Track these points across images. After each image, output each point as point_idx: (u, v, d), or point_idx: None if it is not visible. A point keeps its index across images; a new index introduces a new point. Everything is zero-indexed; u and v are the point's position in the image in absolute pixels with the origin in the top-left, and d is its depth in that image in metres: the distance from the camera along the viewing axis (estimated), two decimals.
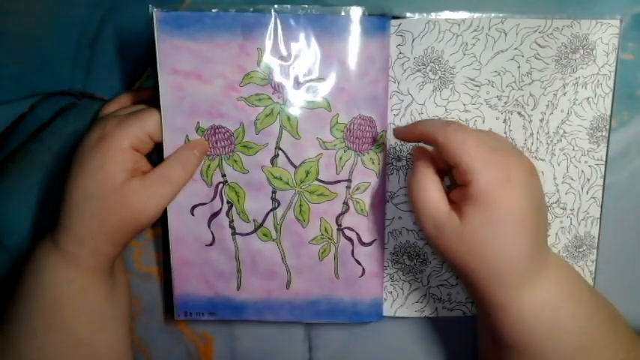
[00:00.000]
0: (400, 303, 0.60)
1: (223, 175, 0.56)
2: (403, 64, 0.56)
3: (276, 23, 0.53)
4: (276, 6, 0.53)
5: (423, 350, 0.62)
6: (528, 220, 0.46)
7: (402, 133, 0.53)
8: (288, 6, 0.53)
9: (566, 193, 0.58)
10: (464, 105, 0.56)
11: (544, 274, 0.47)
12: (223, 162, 0.55)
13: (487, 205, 0.45)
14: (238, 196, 0.56)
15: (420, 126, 0.50)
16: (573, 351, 0.47)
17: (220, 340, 0.62)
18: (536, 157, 0.57)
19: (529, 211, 0.46)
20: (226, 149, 0.55)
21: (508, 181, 0.45)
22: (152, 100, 0.55)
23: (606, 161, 0.58)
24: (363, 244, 0.57)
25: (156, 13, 0.52)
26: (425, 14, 0.55)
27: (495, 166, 0.46)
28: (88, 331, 0.53)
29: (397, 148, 0.57)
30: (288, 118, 0.54)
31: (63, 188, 0.52)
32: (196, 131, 0.55)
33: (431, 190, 0.49)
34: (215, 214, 0.56)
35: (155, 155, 0.56)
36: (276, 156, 0.55)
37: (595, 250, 0.59)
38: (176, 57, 0.53)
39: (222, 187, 0.56)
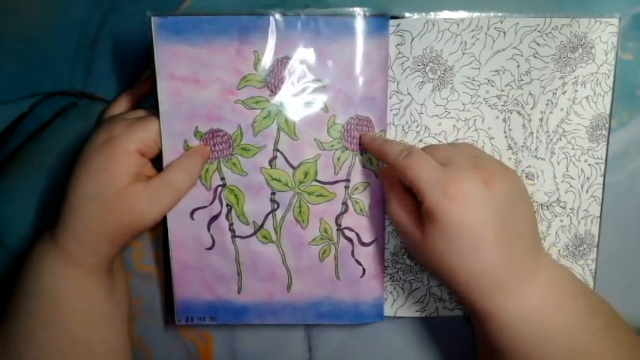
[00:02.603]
0: (401, 303, 0.60)
1: (222, 178, 0.56)
2: (402, 63, 0.56)
3: (272, 25, 0.53)
4: (273, 8, 0.53)
5: (423, 350, 0.62)
6: (487, 231, 0.47)
7: (366, 144, 0.55)
8: (285, 8, 0.53)
9: (566, 192, 0.58)
10: (463, 104, 0.56)
11: (531, 282, 0.48)
12: (222, 165, 0.55)
13: (437, 221, 0.47)
14: (237, 199, 0.56)
15: (382, 149, 0.53)
16: (566, 357, 0.47)
17: (220, 340, 0.62)
18: (535, 156, 0.57)
19: (487, 222, 0.47)
20: (225, 152, 0.55)
21: (455, 197, 0.47)
22: (153, 106, 0.55)
23: (606, 160, 0.58)
24: (363, 244, 0.57)
25: (154, 20, 0.52)
26: (424, 14, 0.55)
27: (442, 184, 0.47)
28: (87, 329, 0.53)
29: None
30: (286, 120, 0.54)
31: (65, 187, 0.53)
32: (195, 136, 0.55)
33: (398, 208, 0.52)
34: (214, 218, 0.57)
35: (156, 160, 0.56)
36: (275, 158, 0.55)
37: (595, 249, 0.59)
38: (174, 63, 0.53)
39: (222, 190, 0.56)
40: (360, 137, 0.55)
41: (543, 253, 0.51)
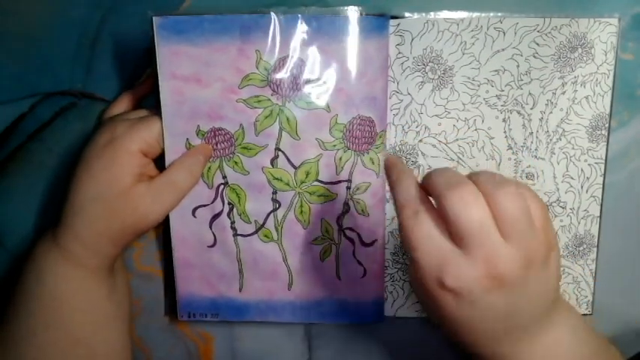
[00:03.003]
0: (400, 303, 0.60)
1: (224, 177, 0.56)
2: (402, 63, 0.56)
3: (274, 25, 0.53)
4: (272, 8, 0.53)
5: (423, 350, 0.62)
6: (484, 327, 0.42)
7: (387, 169, 0.45)
8: (285, 7, 0.53)
9: (565, 192, 0.58)
10: (463, 104, 0.57)
11: (544, 330, 0.44)
12: (224, 164, 0.55)
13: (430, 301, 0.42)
14: (239, 198, 0.56)
15: (394, 187, 0.43)
16: None
17: (220, 340, 0.62)
18: (535, 156, 0.57)
19: (486, 320, 0.41)
20: (226, 151, 0.55)
21: (451, 291, 0.40)
22: (154, 106, 0.55)
23: (606, 160, 0.58)
24: (364, 244, 0.57)
25: (155, 20, 0.53)
26: (424, 14, 0.55)
27: (439, 270, 0.40)
28: (88, 329, 0.53)
29: (397, 148, 0.57)
30: (288, 119, 0.54)
31: (67, 187, 0.53)
32: (197, 135, 0.55)
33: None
34: (216, 216, 0.57)
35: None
36: (276, 157, 0.55)
37: (595, 249, 0.59)
38: (176, 63, 0.53)
39: (223, 189, 0.56)
40: (385, 160, 0.46)
41: (556, 311, 0.45)
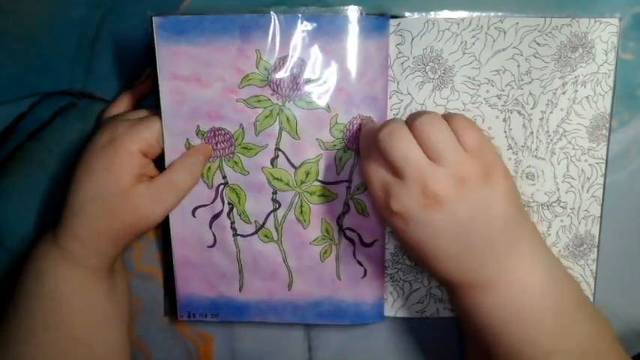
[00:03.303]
0: (401, 303, 0.60)
1: (224, 177, 0.56)
2: (402, 63, 0.56)
3: (274, 24, 0.53)
4: (272, 7, 0.53)
5: (423, 350, 0.62)
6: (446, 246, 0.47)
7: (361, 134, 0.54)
8: (285, 7, 0.53)
9: (566, 192, 0.58)
10: (463, 104, 0.56)
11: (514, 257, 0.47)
12: (224, 164, 0.55)
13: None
14: (239, 198, 0.56)
15: (366, 129, 0.53)
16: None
17: (220, 340, 0.62)
18: (536, 156, 0.57)
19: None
20: (226, 151, 0.55)
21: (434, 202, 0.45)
22: (154, 106, 0.55)
23: (606, 160, 0.58)
24: (364, 244, 0.57)
25: (155, 20, 0.53)
26: (424, 13, 0.55)
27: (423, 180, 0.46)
28: (87, 330, 0.53)
29: None
30: (288, 119, 0.54)
31: (67, 187, 0.53)
32: (196, 134, 0.55)
33: (374, 167, 0.49)
34: (216, 216, 0.57)
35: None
36: (276, 157, 0.55)
37: (596, 249, 0.59)
38: (176, 62, 0.53)
39: (223, 189, 0.56)
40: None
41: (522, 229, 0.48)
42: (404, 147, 0.45)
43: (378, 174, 0.47)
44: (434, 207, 0.45)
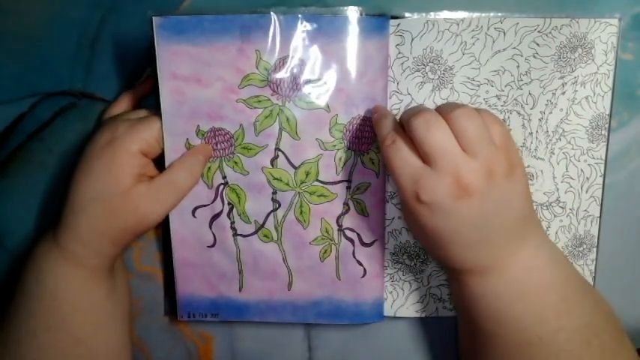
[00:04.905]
0: (400, 303, 0.60)
1: (224, 177, 0.56)
2: (402, 63, 0.56)
3: (274, 25, 0.53)
4: (272, 8, 0.53)
5: (423, 350, 0.62)
6: (460, 238, 0.48)
7: (373, 115, 0.54)
8: (285, 7, 0.53)
9: (565, 192, 0.58)
10: None
11: (520, 248, 0.49)
12: (224, 164, 0.55)
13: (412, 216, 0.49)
14: (239, 198, 0.56)
15: (376, 124, 0.52)
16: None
17: (220, 340, 0.62)
18: (535, 156, 0.57)
19: (461, 231, 0.48)
20: (226, 151, 0.55)
21: (427, 205, 0.47)
22: (154, 106, 0.55)
23: (606, 160, 0.58)
24: (364, 244, 0.57)
25: (155, 20, 0.53)
26: (424, 14, 0.55)
27: (416, 186, 0.47)
28: (88, 330, 0.53)
29: None
30: (287, 119, 0.54)
31: (67, 187, 0.53)
32: (197, 135, 0.55)
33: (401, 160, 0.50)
34: (216, 216, 0.57)
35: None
36: (276, 157, 0.55)
37: (595, 249, 0.59)
38: (176, 63, 0.53)
39: (223, 189, 0.56)
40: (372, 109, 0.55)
41: (531, 229, 0.50)
42: (440, 137, 0.46)
43: (405, 161, 0.47)
44: (464, 198, 0.46)
